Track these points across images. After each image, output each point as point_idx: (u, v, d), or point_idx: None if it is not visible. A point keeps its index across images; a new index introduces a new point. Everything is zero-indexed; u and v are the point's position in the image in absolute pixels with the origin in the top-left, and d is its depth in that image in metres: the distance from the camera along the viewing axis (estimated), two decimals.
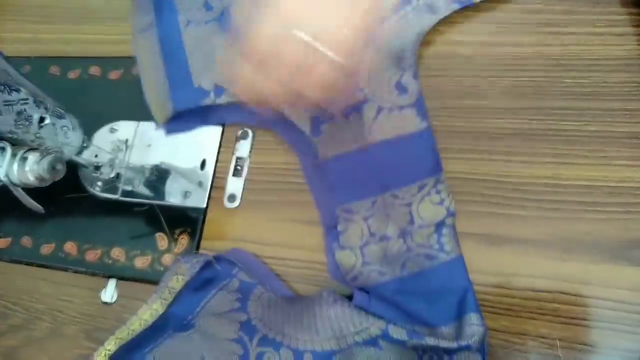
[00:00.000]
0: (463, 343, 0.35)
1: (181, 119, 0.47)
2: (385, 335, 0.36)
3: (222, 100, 0.45)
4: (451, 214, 0.39)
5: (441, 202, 0.39)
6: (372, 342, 0.37)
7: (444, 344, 0.35)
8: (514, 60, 0.43)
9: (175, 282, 0.41)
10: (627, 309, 0.35)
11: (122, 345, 0.39)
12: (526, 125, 0.41)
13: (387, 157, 0.41)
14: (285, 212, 0.44)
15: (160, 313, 0.40)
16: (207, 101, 0.45)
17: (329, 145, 0.42)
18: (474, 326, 0.35)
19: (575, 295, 0.36)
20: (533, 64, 0.42)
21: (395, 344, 0.36)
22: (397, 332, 0.36)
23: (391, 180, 0.40)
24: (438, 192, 0.39)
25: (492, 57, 0.44)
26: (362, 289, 0.39)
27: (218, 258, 0.42)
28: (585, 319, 0.36)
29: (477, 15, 0.45)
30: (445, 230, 0.39)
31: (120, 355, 0.39)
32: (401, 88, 0.42)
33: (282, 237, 0.43)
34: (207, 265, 0.41)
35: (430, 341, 0.35)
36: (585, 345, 0.36)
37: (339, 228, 0.41)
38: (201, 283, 0.41)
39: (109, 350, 0.39)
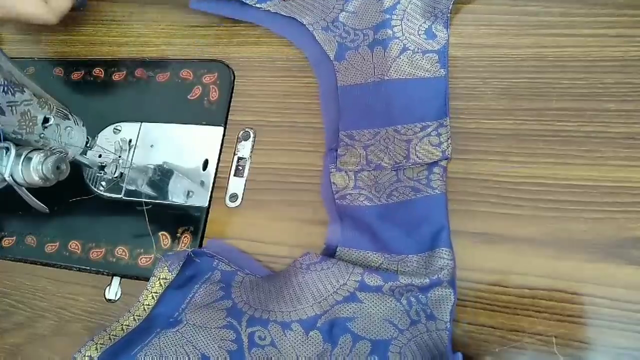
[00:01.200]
0: (434, 277, 0.37)
1: None
2: (362, 287, 0.38)
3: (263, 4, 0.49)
4: (445, 157, 0.40)
5: (439, 145, 0.41)
6: (351, 297, 0.38)
7: (417, 281, 0.37)
8: (511, 62, 0.43)
9: (159, 286, 0.41)
10: (623, 306, 0.36)
11: (107, 348, 0.39)
12: (523, 125, 0.41)
13: (399, 94, 0.43)
14: (286, 212, 0.44)
15: (144, 317, 0.41)
16: None
17: (349, 73, 0.45)
18: (444, 260, 0.38)
19: (571, 293, 0.37)
20: (530, 66, 0.43)
21: (373, 293, 0.38)
22: (373, 279, 0.38)
23: (397, 116, 0.42)
24: (438, 135, 0.41)
25: (490, 59, 0.44)
26: (341, 216, 0.42)
27: (197, 253, 0.42)
28: (581, 317, 0.36)
29: (474, 17, 0.45)
30: (436, 169, 0.41)
31: (106, 358, 0.39)
32: (430, 34, 0.44)
33: (282, 236, 0.43)
34: (188, 261, 0.42)
35: (404, 280, 0.37)
36: (581, 342, 0.36)
37: (339, 151, 0.43)
38: (184, 280, 0.42)
39: (87, 356, 0.39)
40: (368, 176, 0.42)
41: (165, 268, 0.41)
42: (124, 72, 0.53)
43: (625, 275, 0.36)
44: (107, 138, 0.49)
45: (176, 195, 0.47)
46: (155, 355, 0.39)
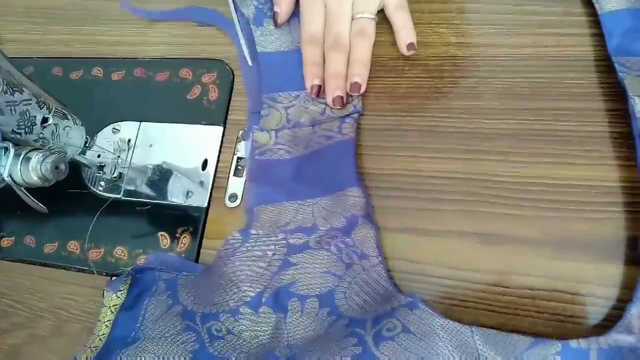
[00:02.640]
0: (348, 214, 0.40)
1: None
2: (290, 250, 0.40)
3: None
4: (357, 111, 0.44)
5: (351, 101, 0.45)
6: (284, 264, 0.40)
7: (335, 223, 0.40)
8: (511, 61, 0.43)
9: (110, 314, 0.42)
10: (623, 307, 0.36)
11: None
12: (523, 125, 0.41)
13: None
14: None
15: (101, 346, 0.41)
16: None
17: (268, 40, 0.49)
18: (354, 197, 0.40)
19: (571, 293, 0.37)
20: (531, 65, 0.43)
21: (303, 253, 0.40)
22: (296, 239, 0.41)
23: None
24: (350, 95, 0.45)
25: (490, 58, 0.44)
26: (258, 177, 0.45)
27: (137, 270, 0.43)
28: (581, 317, 0.36)
29: (475, 17, 0.45)
30: (348, 120, 0.44)
31: None
32: None
33: None
34: (133, 281, 0.43)
35: (323, 226, 0.40)
36: None
37: (262, 112, 0.46)
38: (133, 300, 0.43)
39: None
40: (287, 133, 0.45)
41: (113, 295, 0.42)
42: (123, 71, 0.52)
43: (625, 275, 0.36)
44: (106, 138, 0.49)
45: (175, 195, 0.47)
46: None
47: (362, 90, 0.44)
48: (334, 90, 0.43)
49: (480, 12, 0.45)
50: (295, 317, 0.38)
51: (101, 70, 0.53)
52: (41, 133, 0.41)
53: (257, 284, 0.40)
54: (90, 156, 0.46)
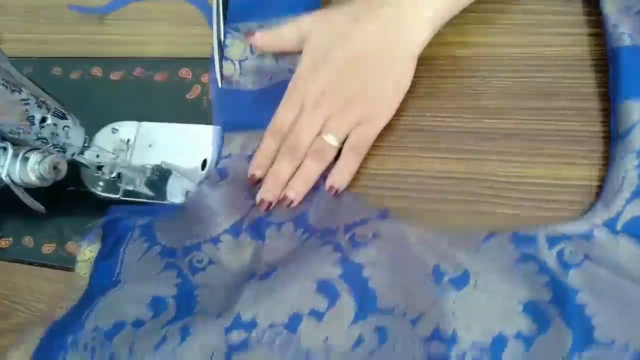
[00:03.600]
0: None
1: None
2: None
3: None
4: None
5: None
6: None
7: None
8: (512, 61, 0.43)
9: (86, 268, 0.43)
10: None
11: (51, 326, 0.40)
12: (525, 125, 0.41)
13: None
14: None
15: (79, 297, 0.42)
16: None
17: None
18: None
19: None
20: (531, 65, 0.43)
21: None
22: None
23: (279, 11, 0.47)
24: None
25: (491, 58, 0.44)
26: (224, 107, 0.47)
27: (111, 219, 0.44)
28: None
29: (476, 16, 0.45)
30: None
31: (49, 341, 0.40)
32: None
33: None
34: (106, 231, 0.44)
35: None
36: None
37: (226, 42, 0.48)
38: (109, 249, 0.43)
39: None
40: (251, 64, 0.47)
41: (87, 248, 0.43)
42: (123, 71, 0.52)
43: None
44: (105, 138, 0.49)
45: (174, 195, 0.46)
46: (105, 311, 0.39)
47: (293, 205, 0.42)
48: (266, 192, 0.42)
49: (480, 11, 0.45)
50: (272, 241, 0.40)
51: (100, 70, 0.53)
52: (40, 133, 0.41)
53: (237, 213, 0.42)
54: (89, 156, 0.46)
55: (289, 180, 0.42)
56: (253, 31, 0.45)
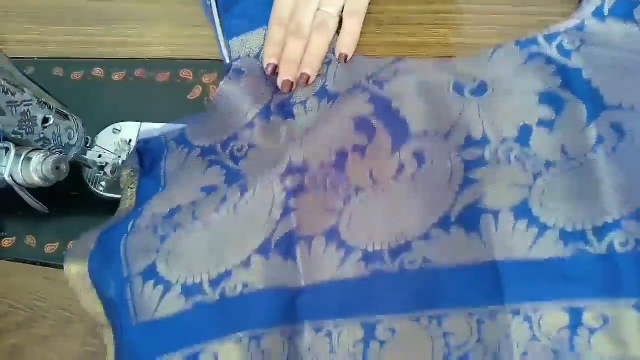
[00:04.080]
0: None
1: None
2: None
3: None
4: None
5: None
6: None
7: None
8: None
9: (131, 189, 0.44)
10: None
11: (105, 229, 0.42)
12: None
13: None
14: None
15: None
16: None
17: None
18: None
19: None
20: None
21: None
22: None
23: None
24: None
25: None
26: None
27: (143, 140, 0.46)
28: None
29: (477, 18, 0.45)
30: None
31: (109, 231, 0.41)
32: None
33: None
34: (142, 153, 0.45)
35: None
36: None
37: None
38: (149, 167, 0.45)
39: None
40: None
41: (127, 172, 0.44)
42: (124, 72, 0.53)
43: None
44: (107, 138, 0.49)
45: None
46: (160, 201, 0.41)
47: (311, 81, 0.45)
48: (284, 74, 0.45)
49: (480, 12, 0.45)
50: (301, 117, 0.44)
51: (102, 71, 0.53)
52: (42, 133, 0.41)
53: (262, 99, 0.45)
54: (91, 156, 0.46)
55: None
56: None
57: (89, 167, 0.47)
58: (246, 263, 0.37)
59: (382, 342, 0.35)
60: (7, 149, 0.38)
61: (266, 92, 0.46)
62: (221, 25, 0.49)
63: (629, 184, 0.35)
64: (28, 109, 0.40)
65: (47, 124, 0.41)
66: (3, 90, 0.37)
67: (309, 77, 0.45)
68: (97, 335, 0.45)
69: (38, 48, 0.57)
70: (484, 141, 0.38)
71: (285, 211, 0.38)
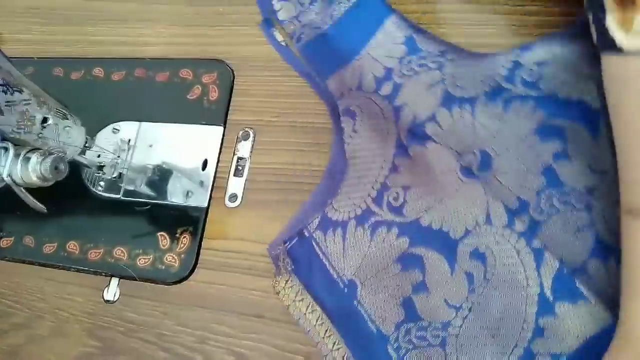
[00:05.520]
0: None
1: None
2: None
3: None
4: None
5: None
6: None
7: None
8: None
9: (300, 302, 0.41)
10: None
11: None
12: None
13: None
14: (285, 211, 0.44)
15: None
16: None
17: None
18: None
19: None
20: None
21: None
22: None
23: None
24: None
25: None
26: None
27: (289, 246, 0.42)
28: None
29: (475, 17, 0.45)
30: None
31: None
32: None
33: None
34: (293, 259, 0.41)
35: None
36: None
37: (275, 7, 0.48)
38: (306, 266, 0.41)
39: None
40: (306, 12, 0.47)
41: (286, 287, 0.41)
42: (124, 72, 0.52)
43: None
44: (106, 138, 0.49)
45: (175, 195, 0.46)
46: None
47: None
48: None
49: (481, 12, 0.45)
50: (439, 133, 0.39)
51: (102, 71, 0.53)
52: (41, 133, 0.41)
53: (391, 137, 0.41)
54: (90, 156, 0.46)
55: None
56: None
57: (88, 167, 0.47)
58: None
59: None
60: (6, 149, 0.38)
61: (389, 127, 0.40)
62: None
63: None
64: (27, 109, 0.40)
65: (46, 124, 0.41)
66: (2, 90, 0.37)
67: None
68: (94, 336, 0.45)
69: (38, 48, 0.57)
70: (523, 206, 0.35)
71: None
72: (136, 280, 0.45)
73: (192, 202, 0.46)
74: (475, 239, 0.36)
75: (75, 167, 0.47)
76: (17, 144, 0.39)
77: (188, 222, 0.45)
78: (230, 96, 0.49)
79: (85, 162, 0.46)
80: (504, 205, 0.36)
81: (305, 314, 0.40)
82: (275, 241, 0.42)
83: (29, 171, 0.38)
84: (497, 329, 0.34)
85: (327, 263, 0.40)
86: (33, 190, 0.40)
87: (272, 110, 0.47)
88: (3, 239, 0.49)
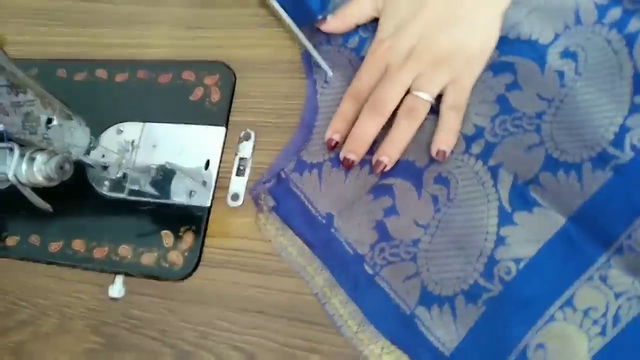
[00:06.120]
0: None
1: None
2: None
3: None
4: None
5: None
6: None
7: None
8: None
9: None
10: None
11: None
12: None
13: None
14: None
15: None
16: None
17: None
18: None
19: None
20: None
21: None
22: None
23: None
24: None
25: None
26: None
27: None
28: None
29: None
30: None
31: None
32: None
33: None
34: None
35: None
36: None
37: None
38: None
39: None
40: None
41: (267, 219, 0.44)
42: (127, 73, 0.53)
43: None
44: (110, 138, 0.49)
45: (178, 194, 0.47)
46: None
47: (385, 170, 0.41)
48: (349, 151, 0.42)
49: None
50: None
51: (105, 72, 0.54)
52: (45, 134, 0.41)
53: None
54: (94, 156, 0.47)
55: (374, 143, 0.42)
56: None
57: (93, 167, 0.47)
58: None
59: None
60: (11, 149, 0.39)
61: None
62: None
63: None
64: (32, 110, 0.40)
65: (51, 125, 0.42)
66: (7, 91, 0.38)
67: (385, 166, 0.41)
68: (98, 333, 0.45)
69: (42, 49, 0.58)
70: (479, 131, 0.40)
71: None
72: (140, 277, 0.45)
73: (195, 201, 0.47)
74: (439, 166, 0.41)
75: (80, 167, 0.47)
76: (23, 144, 0.40)
77: (191, 221, 0.46)
78: (232, 97, 0.50)
79: (89, 162, 0.46)
80: (462, 133, 0.41)
81: (286, 247, 0.43)
82: (255, 184, 0.45)
83: (34, 171, 0.39)
84: (462, 242, 0.39)
85: (305, 200, 0.43)
86: (38, 190, 0.41)
87: (273, 112, 0.48)
88: (9, 238, 0.49)
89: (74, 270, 0.47)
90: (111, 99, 0.52)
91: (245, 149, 0.47)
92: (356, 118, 0.42)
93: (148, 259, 0.45)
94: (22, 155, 0.39)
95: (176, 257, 0.45)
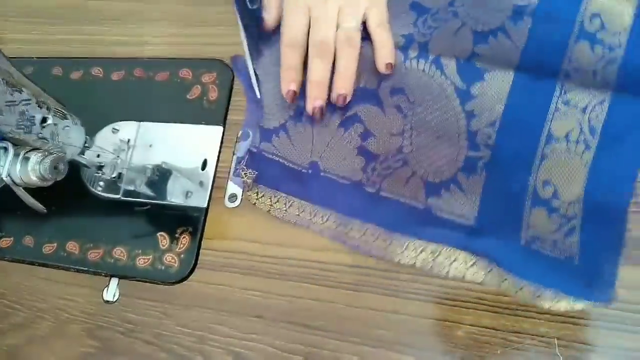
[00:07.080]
0: None
1: None
2: None
3: None
4: None
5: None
6: None
7: None
8: None
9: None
10: (624, 307, 0.36)
11: None
12: None
13: None
14: None
15: None
16: None
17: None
18: None
19: None
20: None
21: None
22: None
23: None
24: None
25: None
26: None
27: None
28: (583, 318, 0.36)
29: None
30: None
31: None
32: None
33: (281, 236, 0.43)
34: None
35: None
36: (583, 343, 0.36)
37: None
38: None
39: None
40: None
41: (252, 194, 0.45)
42: (123, 71, 0.52)
43: (629, 276, 0.36)
44: (106, 138, 0.49)
45: (175, 195, 0.46)
46: None
47: (347, 100, 0.43)
48: (315, 99, 0.43)
49: None
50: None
51: (101, 70, 0.53)
52: (40, 133, 0.41)
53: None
54: (89, 156, 0.46)
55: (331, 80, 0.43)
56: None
57: (88, 167, 0.47)
58: None
59: None
60: (5, 149, 0.38)
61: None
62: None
63: None
64: (26, 109, 0.40)
65: (45, 124, 0.41)
66: (2, 90, 0.37)
67: (345, 97, 0.43)
68: (94, 336, 0.45)
69: (37, 48, 0.57)
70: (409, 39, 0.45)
71: None
72: (136, 280, 0.45)
73: (192, 202, 0.46)
74: (389, 81, 0.44)
75: (75, 167, 0.46)
76: (17, 144, 0.39)
77: (188, 222, 0.45)
78: (230, 96, 0.49)
79: (84, 162, 0.45)
80: (396, 48, 0.44)
81: (286, 210, 0.43)
82: (233, 169, 0.46)
83: (28, 171, 0.38)
84: (439, 131, 0.42)
85: (284, 162, 0.44)
86: (32, 190, 0.40)
87: None
88: (3, 239, 0.49)
89: (69, 273, 0.47)
90: (107, 97, 0.52)
91: (243, 149, 0.46)
92: (302, 64, 0.44)
93: (144, 261, 0.45)
94: (16, 155, 0.38)
95: (172, 260, 0.44)
